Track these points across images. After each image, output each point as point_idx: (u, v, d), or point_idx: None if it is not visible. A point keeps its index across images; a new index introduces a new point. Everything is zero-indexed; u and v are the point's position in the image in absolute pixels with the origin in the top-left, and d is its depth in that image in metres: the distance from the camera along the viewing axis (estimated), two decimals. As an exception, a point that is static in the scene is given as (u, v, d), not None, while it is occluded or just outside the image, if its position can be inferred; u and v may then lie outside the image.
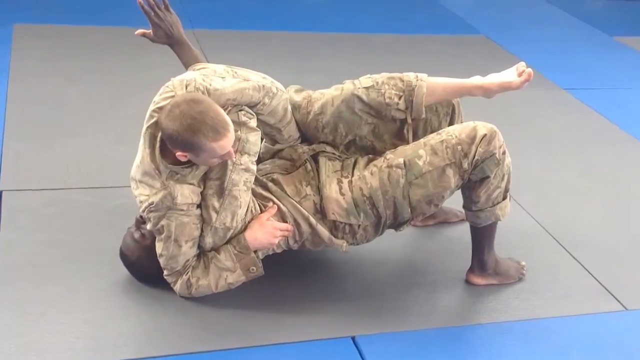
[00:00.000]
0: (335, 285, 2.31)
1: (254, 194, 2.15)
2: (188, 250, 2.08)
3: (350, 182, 2.16)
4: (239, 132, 2.02)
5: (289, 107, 2.21)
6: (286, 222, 2.15)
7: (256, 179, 2.16)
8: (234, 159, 2.02)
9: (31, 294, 2.13)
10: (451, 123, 2.36)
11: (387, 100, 2.19)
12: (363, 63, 4.19)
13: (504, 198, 2.20)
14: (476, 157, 2.10)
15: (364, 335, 2.08)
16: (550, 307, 2.29)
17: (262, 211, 2.15)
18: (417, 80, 2.20)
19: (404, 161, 2.13)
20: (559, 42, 5.05)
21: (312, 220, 2.16)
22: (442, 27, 5.14)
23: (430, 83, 2.21)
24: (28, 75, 3.61)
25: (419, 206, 2.16)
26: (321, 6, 5.37)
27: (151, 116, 2.02)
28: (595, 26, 5.47)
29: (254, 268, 2.12)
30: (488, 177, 2.13)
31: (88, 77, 3.67)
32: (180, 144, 1.92)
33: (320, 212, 2.18)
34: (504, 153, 2.13)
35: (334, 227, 2.19)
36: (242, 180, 2.06)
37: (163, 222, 2.04)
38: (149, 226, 2.09)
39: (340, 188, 2.16)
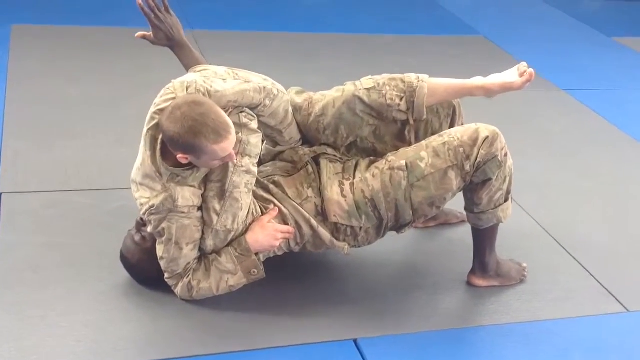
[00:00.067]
0: (337, 287, 2.31)
1: (255, 196, 2.15)
2: (189, 253, 2.07)
3: (352, 184, 2.16)
4: (240, 134, 2.02)
5: (290, 109, 2.20)
6: (287, 224, 2.15)
7: (257, 181, 2.15)
8: (235, 161, 2.01)
9: (31, 297, 2.12)
10: (452, 124, 2.35)
11: (389, 102, 2.19)
12: (363, 63, 4.19)
13: (506, 200, 2.20)
14: (478, 160, 2.09)
15: (366, 338, 2.08)
16: (552, 309, 2.29)
17: (263, 213, 2.14)
18: (419, 81, 2.19)
19: (406, 163, 2.13)
20: (558, 43, 5.06)
21: (314, 222, 2.15)
22: (441, 27, 5.13)
23: (432, 84, 2.20)
24: (27, 76, 3.60)
25: (420, 208, 2.15)
26: (320, 7, 5.36)
27: (152, 118, 2.01)
28: (593, 27, 5.48)
29: (255, 271, 2.11)
30: (490, 179, 2.13)
31: (87, 78, 3.66)
32: (181, 146, 1.91)
33: (322, 214, 2.17)
34: (505, 155, 2.13)
35: (335, 229, 2.18)
36: (243, 182, 2.06)
37: (164, 225, 2.03)
38: (149, 229, 2.08)
39: (342, 190, 2.15)
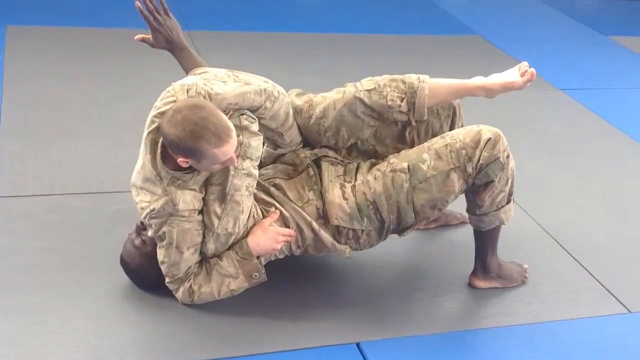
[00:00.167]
0: (338, 290, 2.30)
1: (256, 199, 2.14)
2: (190, 257, 2.06)
3: (354, 186, 2.15)
4: (240, 137, 2.01)
5: (291, 111, 2.19)
6: (289, 227, 2.14)
7: (258, 184, 2.14)
8: (236, 164, 2.00)
9: (31, 303, 2.10)
10: (452, 125, 2.35)
11: (390, 103, 2.18)
12: (360, 63, 4.19)
13: (508, 202, 2.19)
14: (480, 162, 2.09)
15: (368, 341, 2.07)
16: (553, 310, 2.29)
17: (264, 216, 2.13)
18: (419, 81, 2.19)
19: (408, 165, 2.12)
20: (555, 42, 5.06)
21: (315, 225, 2.14)
22: (438, 27, 5.13)
23: (432, 84, 2.19)
24: (22, 77, 3.58)
25: (422, 211, 2.14)
26: (317, 7, 5.36)
27: (152, 121, 1.99)
28: (590, 26, 5.48)
29: (257, 274, 2.10)
30: (492, 181, 2.12)
31: (84, 79, 3.64)
32: (182, 150, 1.90)
33: (323, 217, 2.16)
34: (508, 157, 2.12)
35: (337, 232, 2.17)
36: (244, 185, 2.04)
37: (164, 229, 2.02)
38: (150, 233, 2.07)
39: (343, 193, 2.15)
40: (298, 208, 2.15)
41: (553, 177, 3.15)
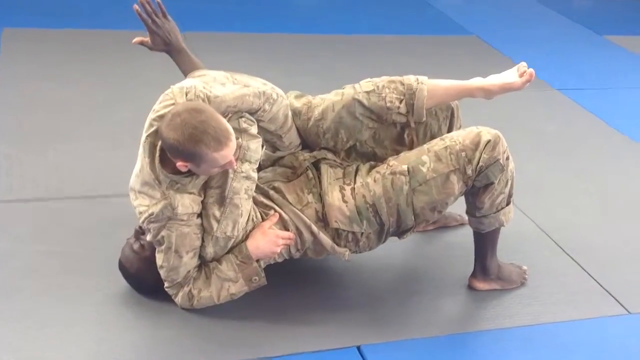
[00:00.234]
0: (337, 293, 2.29)
1: (255, 202, 2.13)
2: (189, 261, 2.05)
3: (353, 189, 2.14)
4: (239, 140, 2.00)
5: (290, 114, 2.19)
6: (288, 230, 2.13)
7: (257, 187, 2.14)
8: (235, 167, 1.99)
9: (30, 307, 2.09)
10: (450, 126, 2.35)
11: (388, 104, 2.18)
12: (356, 64, 4.18)
13: (508, 203, 2.19)
14: (480, 164, 2.08)
15: (369, 345, 2.06)
16: (553, 312, 2.29)
17: (263, 220, 2.12)
18: (418, 83, 2.18)
19: (408, 168, 2.12)
20: (551, 42, 5.07)
21: (314, 228, 2.14)
22: (434, 28, 5.14)
23: (431, 86, 2.19)
24: (18, 80, 3.56)
25: (422, 213, 2.14)
26: (312, 8, 5.36)
27: (151, 125, 1.98)
28: (585, 25, 5.49)
29: (257, 278, 2.10)
30: (492, 183, 2.12)
31: (80, 82, 3.63)
32: (181, 153, 1.89)
33: (323, 220, 2.15)
34: (507, 158, 2.12)
35: (336, 235, 2.17)
36: (243, 188, 2.04)
37: (163, 233, 2.01)
38: (148, 237, 2.06)
39: (343, 195, 2.14)
40: (297, 211, 2.14)
41: (551, 177, 3.15)
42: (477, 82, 2.21)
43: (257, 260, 2.09)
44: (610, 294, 2.39)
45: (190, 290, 2.08)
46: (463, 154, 2.09)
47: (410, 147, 2.25)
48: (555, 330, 2.21)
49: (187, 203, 2.00)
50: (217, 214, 2.02)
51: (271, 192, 2.16)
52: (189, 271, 2.07)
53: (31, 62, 3.79)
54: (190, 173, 1.98)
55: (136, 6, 2.14)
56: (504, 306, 2.29)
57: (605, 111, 3.90)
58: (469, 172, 2.10)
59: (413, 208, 2.13)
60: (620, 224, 2.84)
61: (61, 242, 2.40)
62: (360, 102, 2.18)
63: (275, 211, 2.13)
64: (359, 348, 2.05)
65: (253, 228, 2.10)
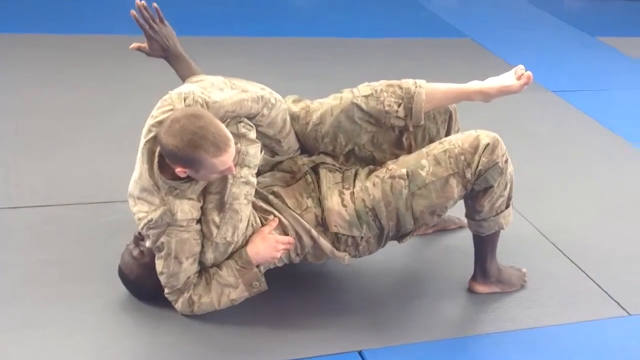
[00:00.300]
0: (337, 297, 2.29)
1: (255, 207, 2.12)
2: (189, 267, 2.04)
3: (352, 193, 2.14)
4: (238, 145, 2.00)
5: (288, 118, 2.18)
6: (288, 235, 2.12)
7: (256, 192, 2.13)
8: (235, 173, 1.99)
9: (29, 315, 2.08)
10: (449, 130, 2.35)
11: (387, 108, 2.18)
12: (352, 67, 4.19)
13: (507, 206, 2.19)
14: (479, 167, 2.09)
15: (370, 349, 2.06)
16: (553, 315, 2.29)
17: (263, 225, 2.12)
18: (416, 87, 2.18)
19: (407, 172, 2.12)
20: (544, 44, 5.08)
21: (314, 233, 2.13)
22: (428, 30, 5.15)
23: (429, 89, 2.19)
24: (15, 86, 3.54)
25: (422, 217, 2.14)
26: (307, 12, 5.36)
27: (149, 131, 1.97)
28: (578, 27, 5.51)
29: (257, 283, 2.09)
30: (492, 186, 2.12)
31: (78, 87, 3.61)
32: (180, 159, 1.88)
33: (322, 224, 2.15)
34: (506, 162, 2.12)
35: (336, 239, 2.16)
36: (242, 193, 2.03)
37: (163, 239, 2.00)
38: (148, 243, 2.05)
39: (342, 200, 2.14)
40: (297, 216, 2.14)
41: (547, 179, 3.16)
42: (475, 85, 2.21)
43: (257, 266, 2.09)
44: (610, 296, 2.40)
45: (190, 297, 2.07)
46: (462, 157, 2.09)
47: (409, 151, 2.25)
48: (556, 332, 2.21)
49: (186, 209, 1.99)
50: (217, 219, 2.02)
51: (270, 197, 2.16)
52: (189, 277, 2.06)
53: (29, 67, 3.77)
54: (189, 179, 1.98)
55: (133, 12, 2.14)
56: (504, 309, 2.29)
57: (600, 113, 3.91)
58: (468, 175, 2.10)
59: (412, 212, 2.12)
60: (618, 225, 2.85)
61: (60, 249, 2.38)
62: (358, 106, 2.18)
63: (275, 216, 2.13)
64: (360, 353, 2.05)
65: (253, 233, 2.10)
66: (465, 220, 2.32)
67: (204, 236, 2.04)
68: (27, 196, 2.66)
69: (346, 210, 2.13)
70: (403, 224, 2.15)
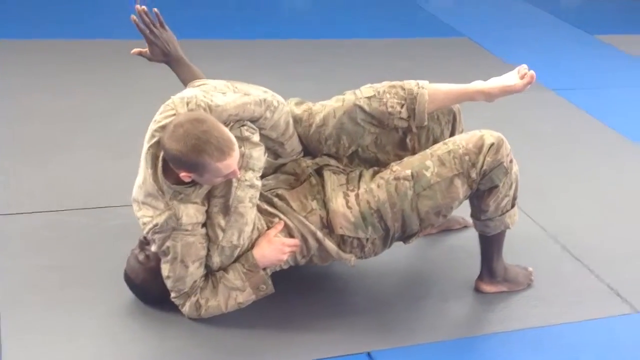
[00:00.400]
0: (343, 299, 2.28)
1: (260, 210, 2.12)
2: (195, 271, 2.04)
3: (357, 195, 2.14)
4: (242, 148, 1.99)
5: (291, 121, 2.18)
6: (293, 237, 2.12)
7: (261, 195, 2.12)
8: (239, 176, 1.98)
9: (34, 323, 2.07)
10: (453, 130, 2.34)
11: (390, 110, 2.17)
12: (351, 68, 4.19)
13: (513, 206, 2.19)
14: (484, 167, 2.08)
15: (379, 351, 2.05)
16: (561, 313, 2.28)
17: (268, 228, 2.11)
18: (419, 87, 2.18)
19: (411, 173, 2.11)
20: (542, 42, 5.09)
21: (320, 235, 2.13)
22: (425, 30, 5.15)
23: (432, 90, 2.19)
24: (14, 92, 3.54)
25: (427, 218, 2.13)
26: (304, 14, 5.37)
27: (152, 136, 1.97)
28: (575, 25, 5.52)
29: (264, 286, 2.08)
30: (497, 186, 2.11)
31: (76, 92, 3.61)
32: (184, 164, 1.88)
33: (327, 226, 2.14)
34: (511, 161, 2.12)
35: (341, 241, 2.16)
36: (247, 196, 2.03)
37: (168, 244, 2.00)
38: (153, 248, 2.04)
39: (347, 202, 2.13)
40: (302, 218, 2.13)
41: (550, 178, 3.15)
42: (477, 85, 2.21)
43: (264, 269, 2.08)
44: (617, 293, 2.39)
45: (197, 300, 2.06)
46: (466, 157, 2.09)
47: (413, 152, 2.25)
48: (564, 331, 2.21)
49: (191, 213, 1.98)
50: (222, 223, 2.01)
51: (275, 200, 2.15)
52: (196, 281, 2.05)
53: (27, 73, 3.77)
54: (193, 183, 1.97)
55: (134, 17, 2.14)
56: (511, 308, 2.28)
57: (601, 111, 3.91)
58: (473, 175, 2.09)
59: (418, 213, 2.12)
60: (622, 223, 2.84)
61: (61, 255, 2.37)
62: (361, 108, 2.18)
63: (280, 219, 2.12)
64: (369, 354, 2.04)
65: (258, 236, 2.09)
66: (469, 220, 2.32)
67: (210, 240, 2.04)
68: (26, 202, 2.65)
69: (351, 212, 2.12)
70: (409, 225, 2.14)
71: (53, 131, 3.19)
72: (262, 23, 4.94)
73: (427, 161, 2.12)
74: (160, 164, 1.96)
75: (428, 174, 2.10)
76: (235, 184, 2.00)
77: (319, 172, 2.22)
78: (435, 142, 2.26)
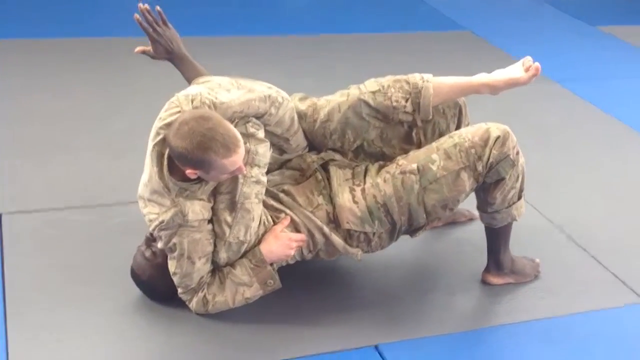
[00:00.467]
0: (351, 293, 2.29)
1: (266, 205, 2.12)
2: (202, 267, 2.04)
3: (363, 189, 2.14)
4: (247, 144, 1.99)
5: (295, 116, 2.18)
6: (300, 232, 2.12)
7: (267, 191, 2.12)
8: (245, 173, 1.98)
9: (43, 321, 2.07)
10: (459, 124, 2.34)
11: (394, 104, 2.17)
12: (352, 63, 4.18)
13: (519, 198, 2.19)
14: (491, 160, 2.08)
15: (386, 343, 2.06)
16: (569, 304, 2.29)
17: (274, 223, 2.11)
18: (423, 81, 2.18)
19: (418, 166, 2.11)
20: (544, 34, 5.09)
21: (326, 229, 2.13)
22: (428, 24, 5.15)
23: (436, 83, 2.18)
24: (15, 92, 3.54)
25: (434, 211, 2.13)
26: (305, 9, 5.35)
27: (157, 133, 1.97)
28: (577, 17, 5.51)
29: (271, 281, 2.09)
30: (503, 178, 2.11)
31: (77, 91, 3.60)
32: (190, 161, 1.88)
33: (334, 221, 2.15)
34: (517, 153, 2.12)
35: (348, 236, 2.16)
36: (253, 192, 2.03)
37: (175, 240, 2.00)
38: (160, 245, 2.05)
39: (353, 196, 2.13)
40: (308, 213, 2.13)
41: (555, 170, 3.15)
42: (482, 78, 2.21)
43: (271, 264, 2.08)
44: (625, 284, 2.39)
45: (204, 296, 2.07)
46: (473, 150, 2.08)
47: (419, 146, 2.24)
48: (572, 322, 2.21)
49: (197, 209, 1.99)
50: (229, 219, 2.01)
51: (281, 195, 2.15)
52: (203, 277, 2.06)
53: (27, 73, 3.76)
54: (199, 180, 1.97)
55: (137, 15, 2.13)
56: (519, 300, 2.28)
57: (605, 102, 3.91)
58: (480, 168, 2.09)
59: (424, 206, 2.12)
60: (627, 213, 2.85)
61: (66, 253, 2.37)
62: (366, 102, 2.17)
63: (286, 214, 2.12)
64: (377, 347, 2.05)
65: (265, 232, 2.10)
66: (475, 212, 2.32)
67: (217, 236, 2.04)
68: (31, 201, 2.65)
69: (358, 206, 2.12)
70: (415, 218, 2.14)
71: (53, 131, 3.19)
72: (263, 20, 4.94)
73: (433, 155, 2.12)
74: (165, 162, 1.96)
75: (434, 167, 2.10)
76: (241, 180, 2.00)
77: (324, 167, 2.22)
78: (441, 135, 2.26)
